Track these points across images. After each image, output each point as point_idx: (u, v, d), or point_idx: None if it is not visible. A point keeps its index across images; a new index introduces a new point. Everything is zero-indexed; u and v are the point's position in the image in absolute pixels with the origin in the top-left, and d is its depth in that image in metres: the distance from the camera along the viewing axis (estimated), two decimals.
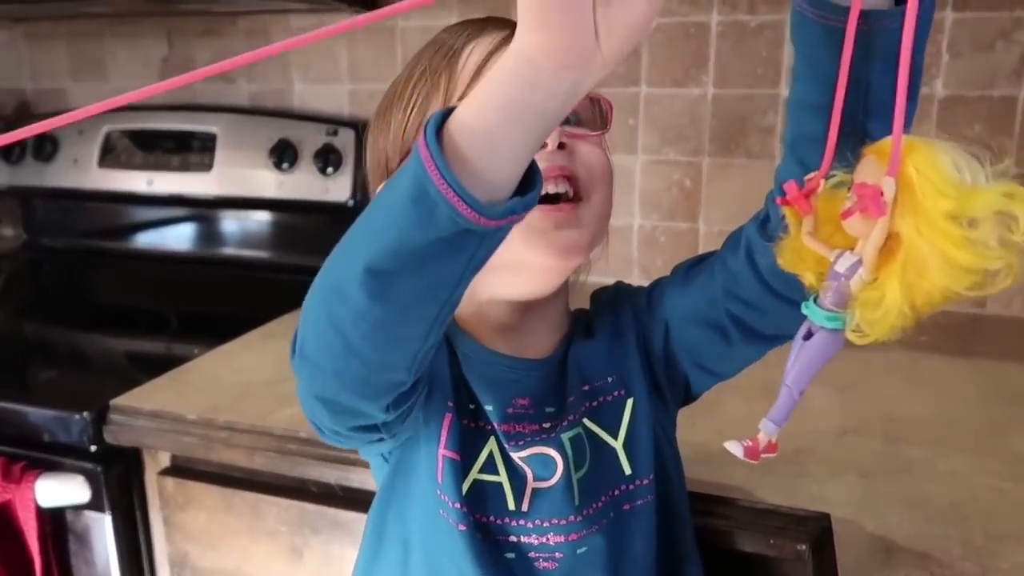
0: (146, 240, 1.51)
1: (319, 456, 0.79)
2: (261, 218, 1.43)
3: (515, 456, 0.55)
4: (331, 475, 0.80)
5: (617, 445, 0.58)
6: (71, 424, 0.87)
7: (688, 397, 0.62)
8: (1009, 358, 0.98)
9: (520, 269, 0.53)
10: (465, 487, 0.54)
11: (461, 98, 0.53)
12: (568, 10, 0.34)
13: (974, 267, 0.34)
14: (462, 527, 0.53)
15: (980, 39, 1.07)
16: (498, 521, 0.54)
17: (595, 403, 0.58)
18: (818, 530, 0.64)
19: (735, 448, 0.42)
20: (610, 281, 0.66)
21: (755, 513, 0.67)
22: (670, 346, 0.59)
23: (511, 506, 0.54)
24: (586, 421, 0.57)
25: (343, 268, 0.40)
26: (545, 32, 0.34)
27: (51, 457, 0.89)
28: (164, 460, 0.89)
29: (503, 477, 0.55)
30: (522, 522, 0.54)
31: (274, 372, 0.95)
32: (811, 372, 0.41)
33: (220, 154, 1.39)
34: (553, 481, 0.55)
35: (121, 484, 0.90)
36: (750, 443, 0.42)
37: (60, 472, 0.89)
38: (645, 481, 0.58)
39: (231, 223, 1.45)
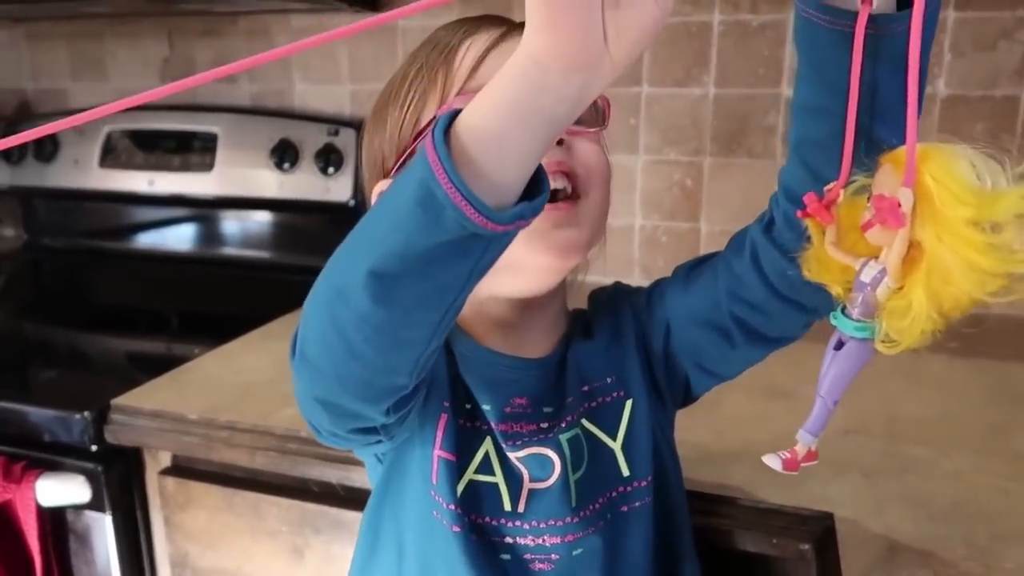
0: (147, 240, 1.51)
1: (320, 456, 0.79)
2: (262, 218, 1.42)
3: (512, 456, 0.54)
4: (332, 475, 0.79)
5: (615, 446, 0.57)
6: (72, 424, 0.87)
7: (687, 398, 0.62)
8: (1013, 358, 0.98)
9: (519, 269, 0.53)
10: (460, 488, 0.53)
11: (458, 95, 0.52)
12: (576, 12, 0.33)
13: (998, 271, 0.34)
14: (456, 528, 0.53)
15: (982, 39, 1.07)
16: (493, 522, 0.54)
17: (594, 404, 0.58)
18: (821, 530, 0.64)
19: (774, 462, 0.41)
20: (610, 281, 0.66)
21: (758, 513, 0.67)
22: (670, 347, 0.58)
23: (507, 507, 0.54)
24: (584, 422, 0.57)
25: (346, 270, 0.40)
26: (553, 34, 0.34)
27: (52, 457, 0.89)
28: (165, 460, 0.89)
29: (499, 478, 0.54)
30: (518, 523, 0.54)
31: (275, 372, 0.94)
32: (844, 382, 0.41)
33: (221, 154, 1.39)
34: (550, 482, 0.54)
35: (122, 484, 0.90)
36: (788, 455, 0.42)
37: (61, 472, 0.88)
38: (643, 483, 0.57)
39: (232, 223, 1.45)
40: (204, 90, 1.48)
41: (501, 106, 0.35)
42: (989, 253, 0.34)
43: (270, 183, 1.36)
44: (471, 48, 0.53)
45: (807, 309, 0.52)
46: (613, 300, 0.62)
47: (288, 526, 0.82)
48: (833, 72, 0.43)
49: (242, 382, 0.93)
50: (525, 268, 0.53)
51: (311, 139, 1.34)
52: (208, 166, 1.40)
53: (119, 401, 0.88)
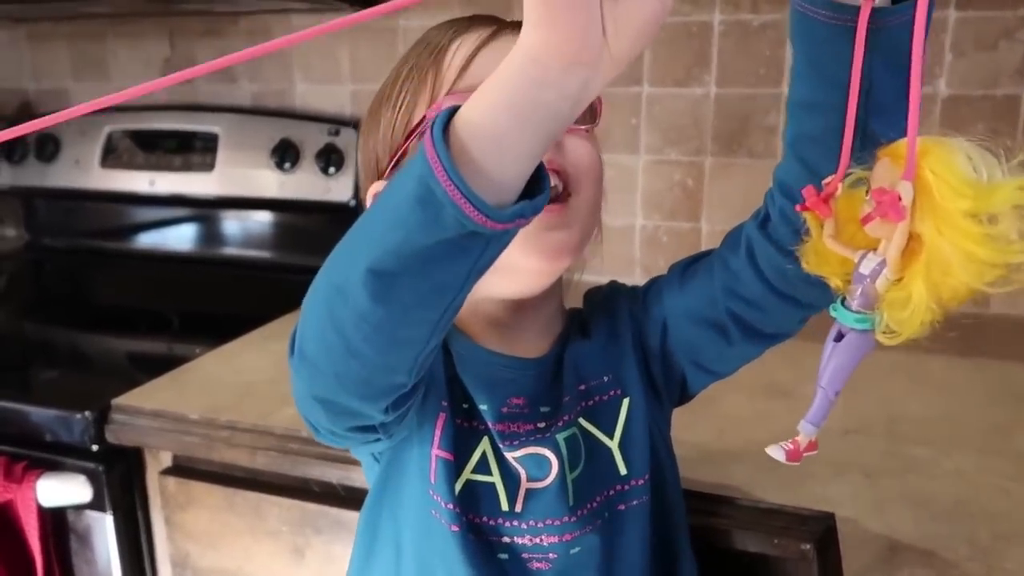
0: (148, 240, 1.51)
1: (321, 455, 0.79)
2: (263, 218, 1.42)
3: (509, 456, 0.54)
4: (333, 474, 0.79)
5: (612, 445, 0.57)
6: (73, 424, 0.87)
7: (684, 396, 0.62)
8: (1014, 357, 0.98)
9: (510, 271, 0.53)
10: (458, 487, 0.53)
11: (448, 95, 0.52)
12: (575, 7, 0.33)
13: (996, 262, 0.34)
14: (454, 528, 0.53)
15: (983, 38, 1.07)
16: (491, 522, 0.54)
17: (591, 403, 0.58)
18: (822, 530, 0.64)
19: (777, 453, 0.42)
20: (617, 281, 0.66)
21: (759, 513, 0.67)
22: (667, 345, 0.58)
23: (504, 507, 0.54)
24: (581, 421, 0.57)
25: (345, 268, 0.39)
26: (551, 29, 0.34)
27: (53, 457, 0.89)
28: (165, 460, 0.89)
29: (496, 477, 0.54)
30: (516, 523, 0.54)
31: (275, 372, 0.94)
32: (845, 373, 0.41)
33: (222, 154, 1.39)
34: (547, 481, 0.54)
35: (123, 484, 0.90)
36: (791, 446, 0.42)
37: (62, 472, 0.88)
38: (640, 481, 0.57)
39: (233, 223, 1.45)
40: (205, 90, 1.48)
41: (499, 103, 0.35)
42: (987, 244, 0.34)
43: (271, 183, 1.36)
44: (460, 48, 0.53)
45: (803, 304, 0.52)
46: (609, 299, 0.62)
47: (289, 526, 0.82)
48: (830, 67, 0.43)
49: (243, 382, 0.93)
50: (517, 270, 0.53)
51: (312, 139, 1.34)
52: (209, 166, 1.40)
53: (120, 401, 0.88)
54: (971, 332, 1.07)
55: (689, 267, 0.58)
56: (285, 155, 1.35)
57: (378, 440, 0.52)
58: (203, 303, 1.35)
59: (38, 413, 0.89)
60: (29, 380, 1.06)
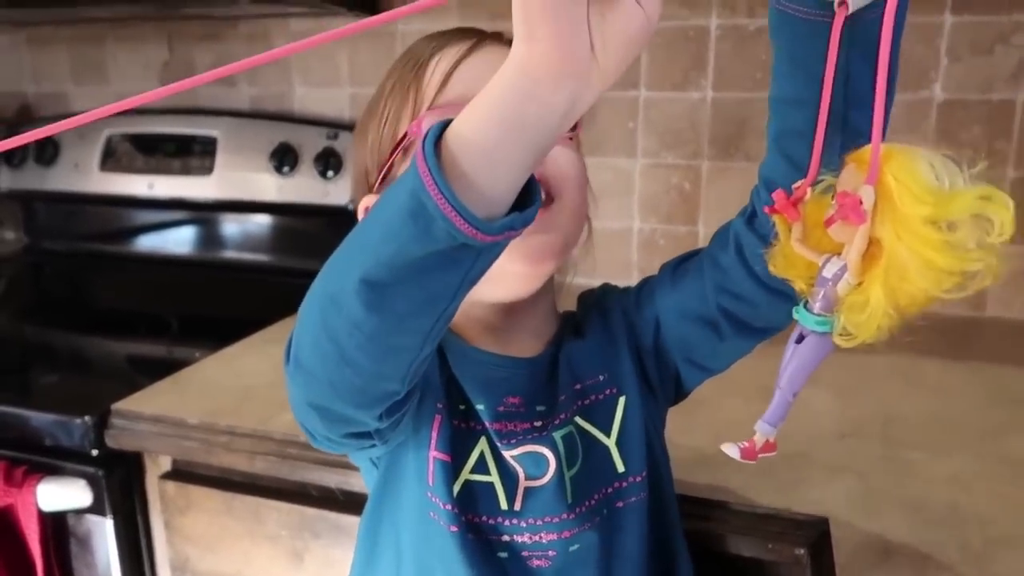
0: (147, 243, 1.52)
1: (319, 460, 0.79)
2: (262, 222, 1.43)
3: (507, 455, 0.55)
4: (331, 479, 0.80)
5: (610, 443, 0.58)
6: (73, 428, 0.88)
7: (679, 393, 0.62)
8: (1008, 361, 0.98)
9: (496, 276, 0.53)
10: (456, 488, 0.54)
11: (429, 110, 0.53)
12: (561, 20, 0.34)
13: (954, 269, 0.35)
14: (453, 528, 0.54)
15: (979, 43, 1.07)
16: (490, 521, 0.55)
17: (587, 401, 0.59)
18: (816, 534, 0.65)
19: (732, 451, 0.42)
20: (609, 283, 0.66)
21: (753, 517, 0.67)
22: (661, 342, 0.59)
23: (503, 506, 0.55)
24: (578, 419, 0.58)
25: (339, 278, 0.40)
26: (539, 44, 0.34)
27: (53, 461, 0.89)
28: (165, 464, 0.90)
29: (494, 477, 0.55)
30: (515, 521, 0.55)
31: (274, 376, 0.95)
32: (804, 374, 0.41)
33: (221, 158, 1.39)
34: (545, 480, 0.55)
35: (122, 488, 0.90)
36: (746, 444, 0.43)
37: (62, 476, 0.89)
38: (638, 478, 0.58)
39: (232, 227, 1.45)
40: (204, 94, 1.48)
41: (490, 117, 0.36)
42: (945, 251, 0.35)
43: (270, 187, 1.36)
44: (440, 63, 0.54)
45: (792, 298, 0.52)
46: (602, 300, 0.63)
47: (288, 530, 0.83)
48: (811, 63, 0.44)
49: (242, 386, 0.93)
50: (502, 275, 0.53)
51: (310, 143, 1.35)
52: (208, 170, 1.40)
53: (120, 406, 0.88)
54: (966, 335, 1.09)
55: (680, 266, 0.59)
56: (284, 159, 1.35)
57: (373, 446, 0.53)
58: (202, 306, 1.36)
59: (38, 418, 0.89)
60: (29, 384, 1.07)
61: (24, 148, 1.52)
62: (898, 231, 0.36)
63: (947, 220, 0.35)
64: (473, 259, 0.38)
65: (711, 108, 1.20)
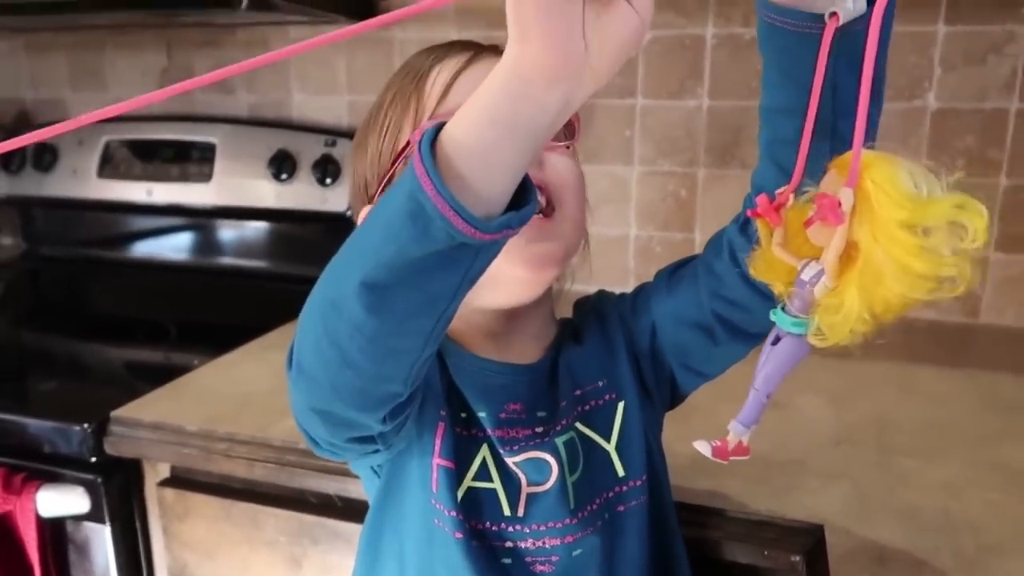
0: (145, 250, 1.52)
1: (318, 467, 0.80)
2: (260, 228, 1.43)
3: (510, 461, 0.56)
4: (330, 486, 0.80)
5: (610, 447, 0.59)
6: (72, 436, 0.88)
7: (675, 398, 0.63)
8: (1002, 368, 0.99)
9: (498, 282, 0.54)
10: (459, 495, 0.54)
11: (430, 119, 0.54)
12: (556, 24, 0.34)
13: (928, 274, 0.35)
14: (458, 535, 0.54)
15: (972, 52, 1.08)
16: (494, 527, 0.55)
17: (587, 407, 0.59)
18: (812, 541, 0.65)
19: (703, 447, 0.43)
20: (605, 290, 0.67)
21: (750, 525, 0.68)
22: (657, 348, 0.60)
23: (506, 512, 0.55)
24: (579, 425, 0.58)
25: (339, 282, 0.41)
26: (533, 46, 0.35)
27: (52, 468, 0.90)
28: (163, 471, 0.90)
29: (497, 483, 0.56)
30: (518, 527, 0.55)
31: (273, 383, 0.95)
32: (779, 376, 0.42)
33: (219, 164, 1.40)
34: (548, 485, 0.56)
35: (121, 495, 0.90)
36: (719, 443, 0.43)
37: (60, 483, 0.89)
38: (638, 482, 0.59)
39: (230, 233, 1.45)
40: (202, 100, 1.49)
41: (483, 119, 0.36)
42: (920, 255, 0.35)
43: (268, 193, 1.37)
44: (440, 74, 0.55)
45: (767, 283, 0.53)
46: (598, 306, 0.64)
47: (286, 536, 0.83)
48: (800, 73, 0.45)
49: (241, 393, 0.94)
50: (504, 281, 0.55)
51: (309, 149, 1.35)
52: (206, 176, 1.41)
53: (119, 413, 0.89)
54: (960, 342, 1.10)
55: (675, 272, 0.60)
56: (282, 165, 1.35)
57: (376, 451, 0.53)
58: (200, 313, 1.36)
59: (37, 425, 0.90)
60: (28, 392, 1.07)
61: (22, 154, 1.52)
62: (875, 234, 0.36)
63: (923, 225, 0.35)
64: (472, 259, 0.38)
65: (707, 116, 1.21)
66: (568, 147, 0.57)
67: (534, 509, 0.55)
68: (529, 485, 0.56)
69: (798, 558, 0.64)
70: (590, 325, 0.62)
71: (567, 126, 0.58)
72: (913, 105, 1.12)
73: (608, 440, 0.59)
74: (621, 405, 0.59)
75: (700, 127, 1.21)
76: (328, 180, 1.33)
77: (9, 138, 0.35)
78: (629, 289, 0.63)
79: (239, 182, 1.39)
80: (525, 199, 0.39)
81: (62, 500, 0.88)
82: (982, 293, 1.14)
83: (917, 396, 0.91)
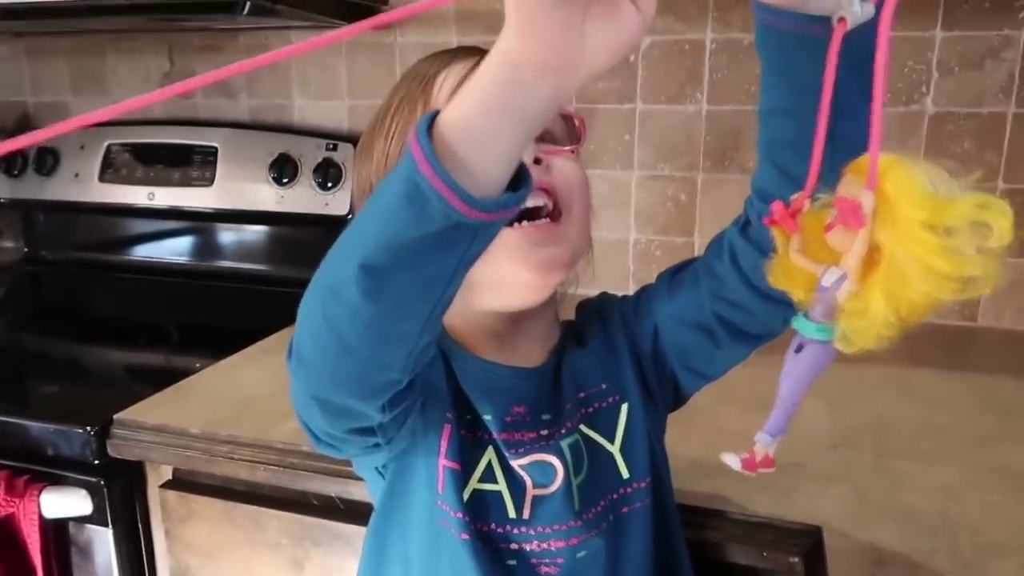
0: (147, 253, 1.52)
1: (320, 469, 0.80)
2: (261, 232, 1.44)
3: (515, 464, 0.56)
4: (332, 488, 0.81)
5: (614, 449, 0.59)
6: (75, 438, 0.88)
7: (678, 399, 0.64)
8: (1000, 371, 1.00)
9: (505, 286, 0.55)
10: (465, 496, 0.55)
11: None
12: (554, 20, 0.35)
13: (953, 274, 0.35)
14: (464, 536, 0.54)
15: (969, 57, 1.09)
16: (499, 529, 0.56)
17: (591, 409, 0.60)
18: (810, 543, 0.66)
19: (732, 460, 0.43)
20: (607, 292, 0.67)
21: (749, 526, 0.68)
22: (659, 350, 0.60)
23: (511, 514, 0.56)
24: (583, 427, 0.59)
25: (338, 267, 0.41)
26: (531, 38, 0.36)
27: (55, 471, 0.90)
28: (166, 473, 0.90)
29: (502, 486, 0.56)
30: (524, 529, 0.56)
31: (274, 386, 0.96)
32: (804, 384, 0.41)
33: (221, 168, 1.40)
34: (553, 488, 0.56)
35: (123, 497, 0.91)
36: (747, 456, 0.43)
37: (63, 485, 0.89)
38: (642, 484, 0.59)
39: (231, 237, 1.46)
40: (204, 104, 1.50)
41: (478, 105, 0.37)
42: (944, 255, 0.35)
43: (269, 197, 1.37)
44: (447, 79, 0.56)
45: (787, 304, 0.53)
46: (601, 309, 0.64)
47: (288, 538, 0.83)
48: (797, 74, 0.45)
49: (242, 396, 0.94)
50: (511, 285, 0.55)
51: (310, 154, 1.36)
52: (208, 180, 1.41)
53: (121, 416, 0.89)
54: (959, 345, 1.10)
55: (676, 274, 0.60)
56: (283, 169, 1.36)
57: (377, 445, 0.53)
58: (202, 316, 1.37)
59: (40, 428, 0.90)
60: (31, 395, 1.07)
61: (24, 158, 1.52)
62: (897, 235, 0.36)
63: (945, 225, 0.35)
64: (469, 240, 0.38)
65: (706, 121, 1.21)
66: (573, 151, 0.58)
67: (539, 511, 0.56)
68: (535, 487, 0.56)
69: (796, 559, 0.65)
70: (593, 328, 0.62)
71: (572, 131, 0.59)
72: (911, 109, 1.12)
73: (612, 442, 0.59)
74: (625, 407, 0.60)
75: (699, 131, 1.22)
76: (329, 184, 1.33)
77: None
78: (629, 292, 0.64)
79: (240, 186, 1.39)
80: (520, 185, 0.39)
81: (65, 502, 0.89)
82: (980, 297, 1.15)
83: (915, 399, 0.92)
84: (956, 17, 1.08)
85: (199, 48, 1.48)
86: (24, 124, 1.63)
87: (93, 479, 0.89)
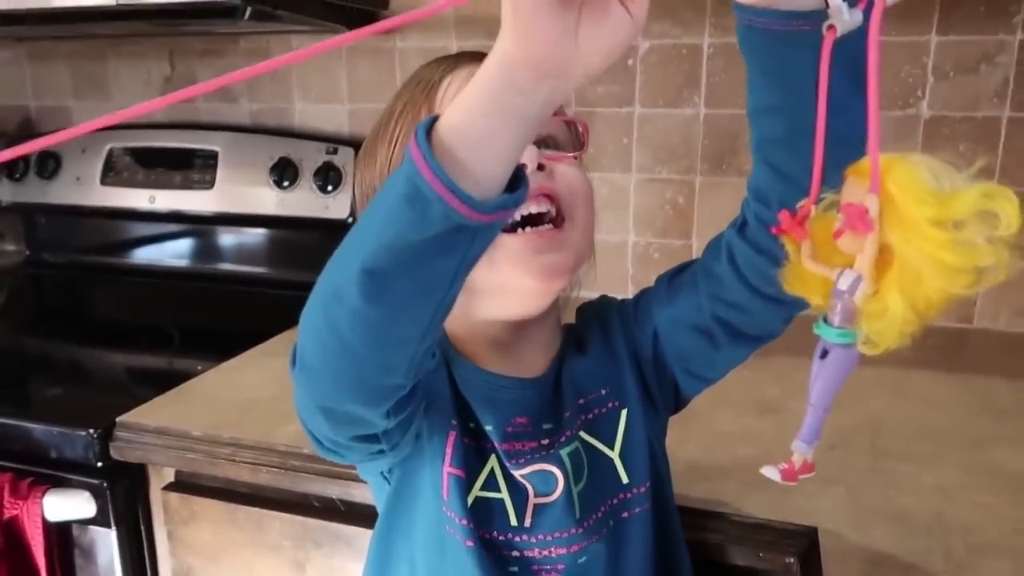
0: (148, 256, 1.53)
1: (321, 472, 0.81)
2: (262, 235, 1.45)
3: (516, 474, 0.56)
4: (333, 490, 0.81)
5: (614, 455, 0.59)
6: (78, 441, 0.89)
7: (679, 402, 0.64)
8: (996, 373, 1.00)
9: (508, 293, 0.56)
10: (468, 503, 0.55)
11: None
12: (551, 22, 0.36)
13: (965, 266, 0.35)
14: (469, 543, 0.55)
15: (964, 61, 1.10)
16: (501, 537, 0.56)
17: (590, 416, 0.60)
18: (806, 544, 0.66)
19: (772, 473, 0.42)
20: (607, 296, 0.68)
21: (746, 527, 0.69)
22: (660, 354, 0.61)
23: (513, 522, 0.56)
24: (583, 434, 0.59)
25: (340, 272, 0.41)
26: (527, 42, 0.36)
27: (58, 473, 0.91)
28: (168, 475, 0.91)
29: (504, 494, 0.56)
30: (526, 537, 0.56)
31: (276, 389, 0.96)
32: (833, 389, 0.41)
33: (222, 172, 1.41)
34: (554, 496, 0.56)
35: (126, 499, 0.92)
36: (786, 466, 0.43)
37: (67, 488, 0.90)
38: (642, 489, 0.59)
39: (232, 240, 1.47)
40: (205, 108, 1.50)
41: (476, 108, 0.38)
42: (954, 249, 0.35)
43: (270, 200, 1.38)
44: (452, 84, 0.56)
45: (786, 304, 0.53)
46: (600, 313, 0.64)
47: (290, 540, 0.84)
48: (782, 71, 0.46)
49: (244, 399, 0.95)
50: (514, 292, 0.56)
51: (310, 157, 1.37)
52: (209, 183, 1.42)
53: (124, 419, 0.90)
54: (955, 347, 1.11)
55: (675, 278, 0.60)
56: (284, 173, 1.37)
57: (381, 452, 0.54)
58: (203, 319, 1.37)
59: (44, 431, 0.91)
60: (35, 398, 1.08)
61: (26, 161, 1.53)
62: (906, 235, 0.36)
63: (952, 219, 0.35)
64: (469, 242, 0.39)
65: (704, 124, 1.22)
66: (576, 157, 0.58)
67: (541, 519, 0.56)
68: (536, 496, 0.56)
69: (793, 560, 0.66)
70: (593, 333, 0.63)
71: (575, 137, 0.59)
72: (907, 113, 1.13)
73: (612, 448, 0.60)
74: (624, 412, 0.60)
75: (697, 135, 1.23)
76: (329, 187, 1.34)
77: (12, 145, 0.36)
78: (627, 294, 0.64)
79: (241, 189, 1.40)
80: (518, 186, 0.40)
81: (68, 504, 0.90)
82: (976, 298, 1.15)
83: (912, 401, 0.92)
84: (951, 22, 1.09)
85: (200, 52, 1.49)
86: (27, 128, 1.64)
87: (96, 481, 0.90)
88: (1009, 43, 1.08)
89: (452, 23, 1.28)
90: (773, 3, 0.44)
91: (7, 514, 0.89)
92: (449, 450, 0.55)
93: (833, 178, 0.40)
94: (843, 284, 0.40)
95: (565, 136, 0.59)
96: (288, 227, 1.40)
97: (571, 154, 0.58)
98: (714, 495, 0.72)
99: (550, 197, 0.55)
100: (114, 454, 0.89)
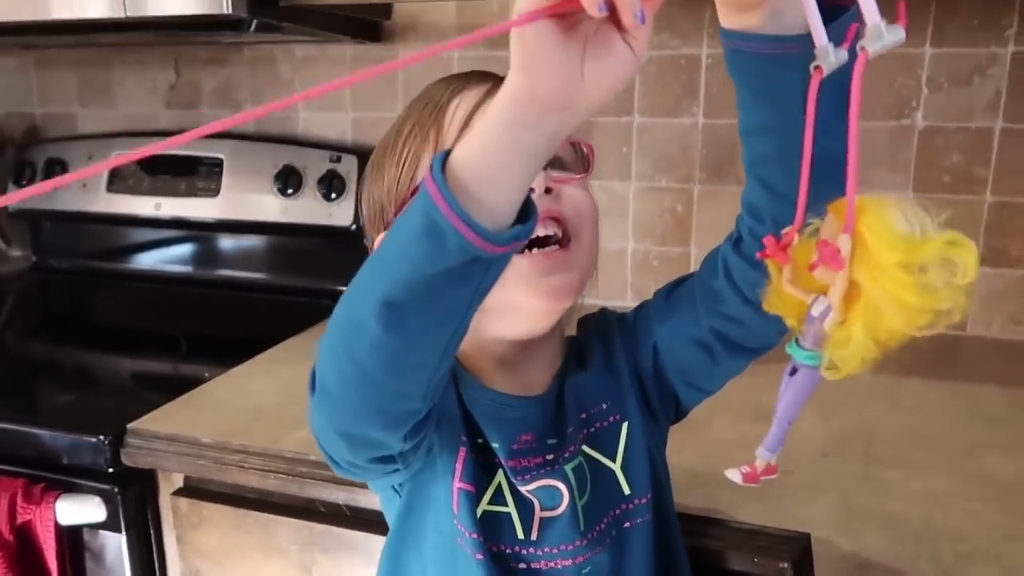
0: (153, 263, 1.55)
1: (328, 478, 0.83)
2: (266, 242, 1.46)
3: (523, 489, 0.58)
4: (339, 496, 0.83)
5: (615, 467, 0.61)
6: (90, 447, 0.91)
7: (679, 413, 0.65)
8: (988, 380, 1.02)
9: (516, 313, 0.57)
10: (477, 516, 0.57)
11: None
12: (557, 59, 0.38)
13: (925, 307, 0.38)
14: (479, 556, 0.56)
15: (958, 73, 1.12)
16: (509, 550, 0.58)
17: (592, 429, 0.62)
18: (799, 550, 0.68)
19: (735, 476, 0.46)
20: (604, 304, 0.70)
21: (742, 533, 0.71)
22: (660, 368, 0.62)
23: (520, 535, 0.58)
24: (585, 448, 0.61)
25: (359, 303, 0.43)
26: (531, 78, 0.38)
27: (70, 479, 0.93)
28: (178, 481, 0.93)
29: (511, 508, 0.58)
30: (532, 550, 0.58)
31: (282, 396, 0.98)
32: (798, 404, 0.45)
33: (226, 179, 1.43)
34: (560, 510, 0.58)
35: (136, 504, 0.93)
36: (748, 469, 0.46)
37: (78, 493, 0.92)
38: (643, 500, 0.61)
39: (236, 247, 1.49)
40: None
41: (487, 143, 0.39)
42: (916, 292, 0.38)
43: (274, 208, 1.40)
44: (460, 105, 0.57)
45: (780, 318, 0.55)
46: (601, 327, 0.66)
47: (297, 545, 0.86)
48: (771, 92, 0.47)
49: (252, 406, 0.97)
50: (522, 312, 0.57)
51: (314, 165, 1.38)
52: (214, 191, 1.44)
53: (135, 425, 0.92)
54: (947, 355, 1.13)
55: (673, 291, 0.62)
56: (288, 181, 1.38)
57: (396, 470, 0.55)
58: (208, 325, 1.39)
59: (56, 437, 0.92)
60: (45, 404, 1.10)
61: (33, 168, 1.55)
62: (874, 275, 0.39)
63: (918, 264, 0.38)
64: (483, 273, 0.41)
65: (702, 134, 1.24)
66: (583, 179, 0.60)
67: (547, 533, 0.58)
68: (542, 510, 0.58)
69: (786, 565, 0.68)
70: (594, 348, 0.64)
71: (582, 159, 0.60)
72: (901, 124, 1.15)
73: (614, 460, 0.61)
74: (625, 425, 0.62)
75: (695, 144, 1.24)
76: (333, 195, 1.36)
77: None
78: (627, 302, 0.66)
79: (245, 197, 1.42)
80: (528, 215, 0.42)
81: (79, 509, 0.91)
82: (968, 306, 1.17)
83: (903, 408, 0.94)
84: (945, 35, 1.11)
85: (205, 60, 1.51)
86: (32, 135, 1.66)
87: (107, 487, 0.92)
88: (1001, 55, 1.10)
89: (454, 33, 1.30)
90: (759, 28, 0.45)
91: (20, 519, 0.91)
92: (459, 465, 0.57)
93: (823, 194, 0.42)
94: (815, 311, 0.43)
95: (571, 157, 0.60)
96: (292, 234, 1.41)
97: (578, 176, 0.59)
98: (711, 502, 0.73)
99: (557, 220, 0.57)
100: (125, 460, 0.91)
